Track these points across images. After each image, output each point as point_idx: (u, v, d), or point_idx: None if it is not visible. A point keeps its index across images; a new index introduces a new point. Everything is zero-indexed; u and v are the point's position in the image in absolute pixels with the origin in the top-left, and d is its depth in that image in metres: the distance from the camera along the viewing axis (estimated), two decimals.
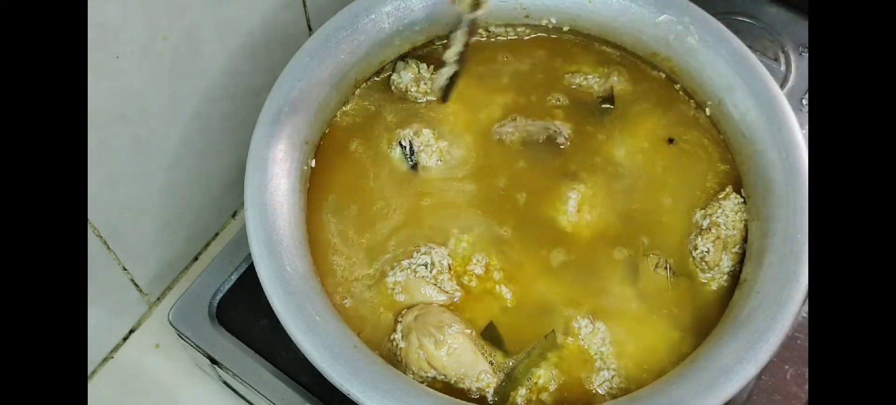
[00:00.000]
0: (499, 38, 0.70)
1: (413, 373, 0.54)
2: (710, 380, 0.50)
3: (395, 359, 0.55)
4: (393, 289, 0.58)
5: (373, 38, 0.64)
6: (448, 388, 0.54)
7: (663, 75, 0.68)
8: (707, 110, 0.65)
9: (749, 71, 0.62)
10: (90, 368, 0.70)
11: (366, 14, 0.63)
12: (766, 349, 0.51)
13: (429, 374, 0.54)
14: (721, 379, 0.50)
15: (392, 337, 0.55)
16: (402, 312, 0.56)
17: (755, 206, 0.60)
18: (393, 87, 0.66)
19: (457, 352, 0.54)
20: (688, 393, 0.50)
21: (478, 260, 0.59)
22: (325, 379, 0.50)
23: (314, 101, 0.61)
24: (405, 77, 0.65)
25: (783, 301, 0.52)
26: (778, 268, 0.54)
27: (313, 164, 0.62)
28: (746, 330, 0.52)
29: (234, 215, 0.78)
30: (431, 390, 0.52)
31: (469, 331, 0.55)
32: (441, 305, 0.57)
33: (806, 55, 0.76)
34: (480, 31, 0.69)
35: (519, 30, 0.70)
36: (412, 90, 0.65)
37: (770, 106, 0.61)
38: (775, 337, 0.51)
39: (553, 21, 0.68)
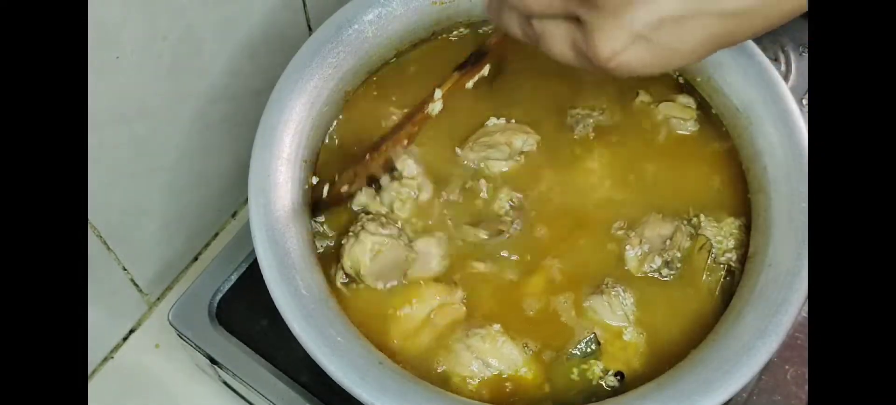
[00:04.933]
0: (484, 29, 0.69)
1: (464, 376, 0.54)
2: (734, 357, 0.50)
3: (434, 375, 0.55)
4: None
5: (357, 48, 0.63)
6: (501, 382, 0.55)
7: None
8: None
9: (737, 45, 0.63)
10: (90, 368, 0.70)
11: (349, 25, 0.63)
12: (786, 321, 0.51)
13: (487, 373, 0.54)
14: (744, 356, 0.50)
15: (437, 367, 0.55)
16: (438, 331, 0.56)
17: (755, 179, 0.60)
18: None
19: (504, 345, 0.55)
20: (715, 373, 0.50)
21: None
22: (324, 379, 0.50)
23: (307, 119, 0.60)
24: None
25: (796, 271, 0.53)
26: (787, 238, 0.55)
27: (314, 181, 0.61)
28: (764, 303, 0.52)
29: (234, 215, 0.78)
30: (466, 399, 0.52)
31: (497, 326, 0.56)
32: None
33: (806, 55, 0.76)
34: (462, 27, 0.68)
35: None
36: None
37: (761, 78, 0.61)
38: (793, 307, 0.52)
39: None
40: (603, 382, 0.55)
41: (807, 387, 0.60)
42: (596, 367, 0.55)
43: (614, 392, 0.54)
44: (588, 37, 0.42)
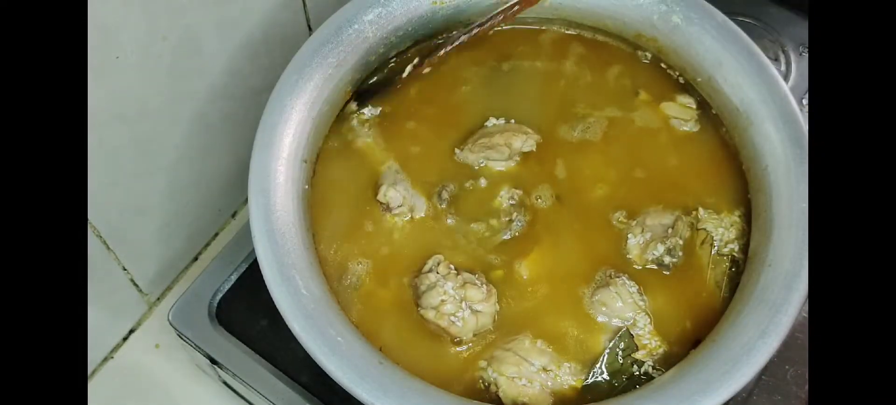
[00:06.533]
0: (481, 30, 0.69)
1: (512, 378, 0.54)
2: (734, 357, 0.50)
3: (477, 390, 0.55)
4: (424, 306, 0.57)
5: (358, 48, 0.63)
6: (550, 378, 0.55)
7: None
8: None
9: (736, 44, 0.62)
10: (90, 368, 0.70)
11: (349, 25, 0.63)
12: (786, 321, 0.51)
13: (532, 368, 0.54)
14: (744, 356, 0.50)
15: (480, 376, 0.55)
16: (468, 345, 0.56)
17: (755, 179, 0.60)
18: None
19: (541, 346, 0.55)
20: (715, 373, 0.50)
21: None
22: (324, 379, 0.50)
23: (307, 119, 0.60)
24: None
25: (796, 271, 0.53)
26: (787, 238, 0.55)
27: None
28: (764, 303, 0.52)
29: (233, 215, 0.78)
30: (466, 399, 0.52)
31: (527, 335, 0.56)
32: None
33: (806, 55, 0.76)
34: (462, 28, 0.68)
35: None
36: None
37: (761, 77, 0.61)
38: (793, 307, 0.52)
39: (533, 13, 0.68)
40: (642, 372, 0.55)
41: (807, 387, 0.60)
42: (635, 359, 0.56)
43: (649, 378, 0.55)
44: None
